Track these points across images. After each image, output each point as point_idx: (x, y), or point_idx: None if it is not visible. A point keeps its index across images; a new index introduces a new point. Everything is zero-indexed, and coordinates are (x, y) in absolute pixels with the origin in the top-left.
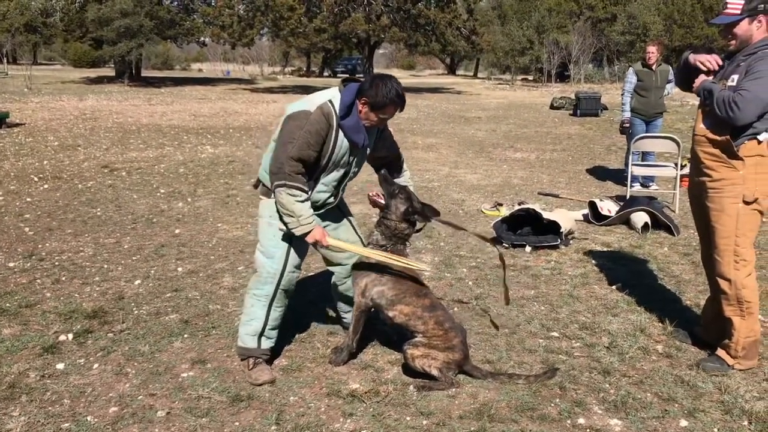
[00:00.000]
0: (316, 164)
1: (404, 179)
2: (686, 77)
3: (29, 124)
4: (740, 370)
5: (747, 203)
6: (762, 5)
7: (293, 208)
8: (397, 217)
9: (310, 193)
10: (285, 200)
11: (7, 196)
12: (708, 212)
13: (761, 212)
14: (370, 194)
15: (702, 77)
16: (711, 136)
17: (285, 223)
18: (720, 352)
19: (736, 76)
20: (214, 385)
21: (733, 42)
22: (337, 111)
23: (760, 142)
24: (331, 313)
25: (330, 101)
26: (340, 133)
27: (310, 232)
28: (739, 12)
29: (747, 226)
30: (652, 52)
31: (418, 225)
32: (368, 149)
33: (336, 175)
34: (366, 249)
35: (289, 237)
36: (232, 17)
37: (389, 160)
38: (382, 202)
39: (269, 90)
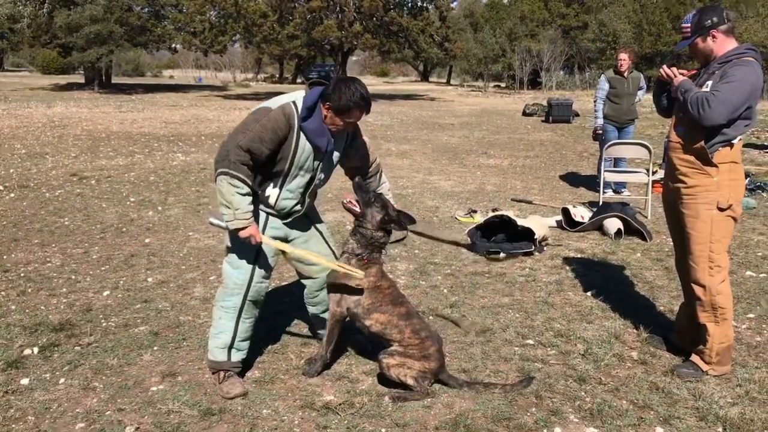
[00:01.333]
0: (271, 166)
1: (383, 192)
2: (660, 98)
3: None
4: (715, 376)
5: (721, 209)
6: (708, 21)
7: (232, 199)
8: (373, 225)
9: (252, 186)
10: (225, 189)
11: None
12: (683, 218)
13: (735, 218)
14: (344, 201)
15: (680, 78)
16: (685, 143)
17: (222, 215)
18: (694, 358)
19: (710, 82)
20: (185, 399)
21: (700, 61)
22: (299, 113)
23: (732, 147)
24: (304, 323)
25: (293, 102)
26: (302, 136)
27: (244, 228)
28: (690, 34)
29: (721, 233)
30: (624, 59)
31: (398, 235)
32: (336, 154)
33: (301, 181)
34: (301, 250)
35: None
36: (204, 24)
37: (364, 171)
38: (357, 209)
39: (242, 97)
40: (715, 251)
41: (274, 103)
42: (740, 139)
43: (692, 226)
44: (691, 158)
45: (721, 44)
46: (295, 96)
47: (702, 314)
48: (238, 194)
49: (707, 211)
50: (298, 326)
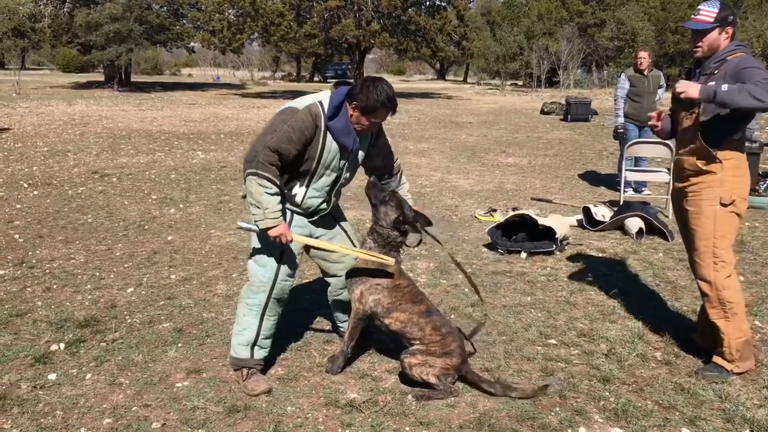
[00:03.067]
0: (298, 165)
1: (403, 193)
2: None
3: (18, 130)
4: (739, 373)
5: (724, 205)
6: (731, 17)
7: (261, 199)
8: (387, 224)
9: (285, 190)
10: (255, 190)
11: None
12: (687, 215)
13: (739, 214)
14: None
15: (693, 85)
16: (688, 142)
17: (252, 215)
18: (716, 359)
19: (712, 83)
20: (210, 396)
21: (701, 49)
22: (326, 112)
23: (735, 142)
24: (327, 321)
25: (320, 102)
26: (329, 136)
27: (274, 227)
28: (712, 21)
29: (725, 228)
30: (644, 57)
31: (412, 238)
32: (361, 154)
33: (327, 180)
34: (336, 245)
35: (251, 229)
36: (222, 22)
37: (387, 171)
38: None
39: (259, 95)
40: (719, 247)
41: (300, 103)
42: (742, 135)
43: (696, 222)
44: (695, 156)
45: (726, 41)
46: (321, 96)
47: (711, 311)
48: (267, 194)
49: (710, 207)
50: (321, 323)
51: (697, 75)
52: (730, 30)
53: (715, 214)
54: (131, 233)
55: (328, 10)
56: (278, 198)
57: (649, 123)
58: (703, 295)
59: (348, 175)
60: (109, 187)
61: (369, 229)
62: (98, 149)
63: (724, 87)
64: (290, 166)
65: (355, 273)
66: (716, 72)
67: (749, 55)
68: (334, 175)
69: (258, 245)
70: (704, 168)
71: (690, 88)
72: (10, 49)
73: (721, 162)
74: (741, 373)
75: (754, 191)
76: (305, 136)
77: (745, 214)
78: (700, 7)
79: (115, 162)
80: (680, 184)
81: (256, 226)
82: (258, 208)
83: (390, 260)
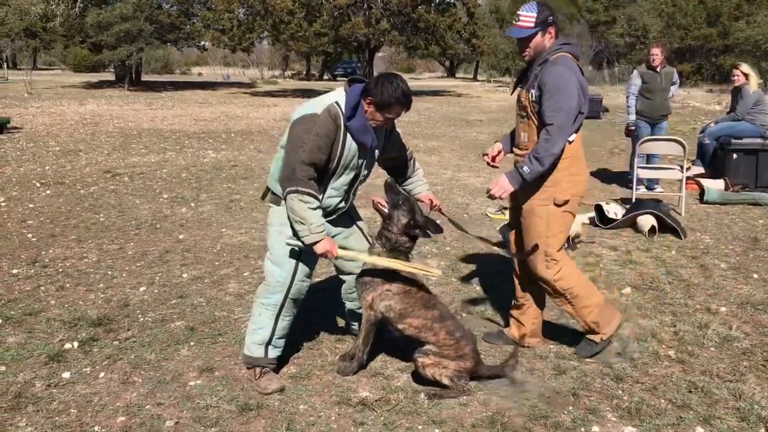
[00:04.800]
0: (325, 168)
1: (418, 178)
2: None
3: (30, 130)
4: (609, 338)
5: (558, 205)
6: (551, 17)
7: (305, 215)
8: (397, 229)
9: (321, 199)
10: (297, 207)
11: (10, 202)
12: (521, 213)
13: (573, 213)
14: (375, 200)
15: (502, 181)
16: (524, 146)
17: (295, 231)
18: (585, 338)
19: (533, 91)
20: (223, 394)
21: (528, 54)
22: (344, 112)
23: (571, 143)
24: (339, 320)
25: (336, 102)
26: (348, 135)
27: (319, 241)
28: (533, 25)
29: (557, 228)
30: (656, 54)
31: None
32: (377, 151)
33: (346, 179)
34: (375, 257)
35: (298, 245)
36: (232, 21)
37: (399, 161)
38: (386, 210)
39: (269, 94)
40: (551, 246)
41: (317, 106)
42: (577, 135)
43: (529, 221)
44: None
45: (550, 42)
46: (337, 96)
47: (556, 301)
48: (309, 209)
49: (543, 207)
50: (333, 322)
51: (528, 78)
52: (552, 30)
53: (548, 214)
54: (143, 232)
55: (338, 8)
56: (320, 212)
57: (489, 163)
58: (545, 290)
59: (366, 172)
60: (121, 186)
61: (377, 233)
62: (110, 148)
63: (526, 168)
64: None
65: (362, 275)
66: (538, 74)
67: (568, 58)
68: (352, 174)
69: (276, 245)
70: None
71: (505, 187)
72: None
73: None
74: (611, 336)
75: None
76: (330, 139)
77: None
78: (519, 12)
79: (126, 161)
80: None
81: (302, 242)
82: (302, 224)
83: (436, 271)
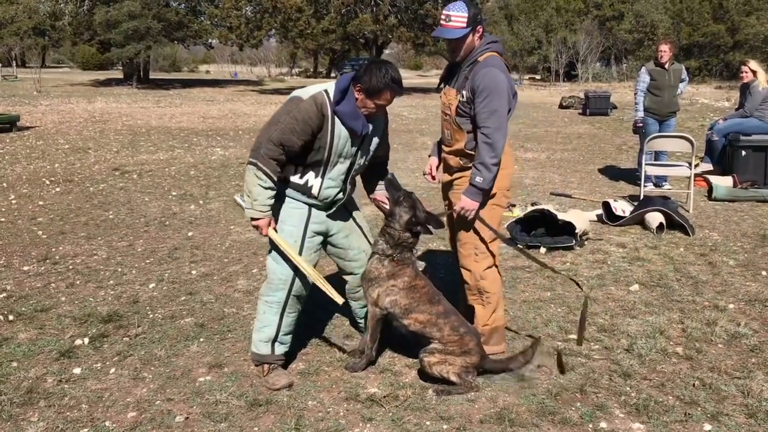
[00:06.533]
0: (310, 155)
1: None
2: None
3: (39, 127)
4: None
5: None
6: (479, 15)
7: (253, 190)
8: (399, 226)
9: (276, 183)
10: (250, 180)
11: (20, 200)
12: (452, 206)
13: (501, 206)
14: (376, 198)
15: (464, 202)
16: (452, 143)
17: (244, 200)
18: None
19: (465, 92)
20: (232, 390)
21: (459, 54)
22: (332, 98)
23: None
24: (346, 316)
25: (325, 91)
26: (337, 121)
27: (258, 219)
28: (465, 25)
29: (489, 221)
30: (665, 50)
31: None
32: (375, 140)
33: (341, 168)
34: (301, 259)
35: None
36: (240, 19)
37: (382, 159)
38: (387, 207)
39: (277, 91)
40: (481, 239)
41: (306, 92)
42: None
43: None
44: (458, 156)
45: (478, 41)
46: (328, 85)
47: (470, 297)
48: (260, 186)
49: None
50: (340, 319)
51: (457, 77)
52: (480, 29)
53: (476, 208)
54: (152, 229)
55: (346, 5)
56: (271, 193)
57: (430, 181)
58: (464, 282)
59: (362, 161)
60: (130, 183)
61: (380, 230)
62: (118, 146)
63: (478, 179)
64: (302, 156)
65: (369, 272)
66: (469, 76)
67: (497, 58)
68: (347, 162)
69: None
70: (466, 165)
71: (469, 206)
72: (30, 48)
73: None
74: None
75: None
76: (309, 127)
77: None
78: (448, 12)
79: (135, 159)
80: (448, 178)
81: (245, 211)
82: (249, 197)
83: (338, 298)
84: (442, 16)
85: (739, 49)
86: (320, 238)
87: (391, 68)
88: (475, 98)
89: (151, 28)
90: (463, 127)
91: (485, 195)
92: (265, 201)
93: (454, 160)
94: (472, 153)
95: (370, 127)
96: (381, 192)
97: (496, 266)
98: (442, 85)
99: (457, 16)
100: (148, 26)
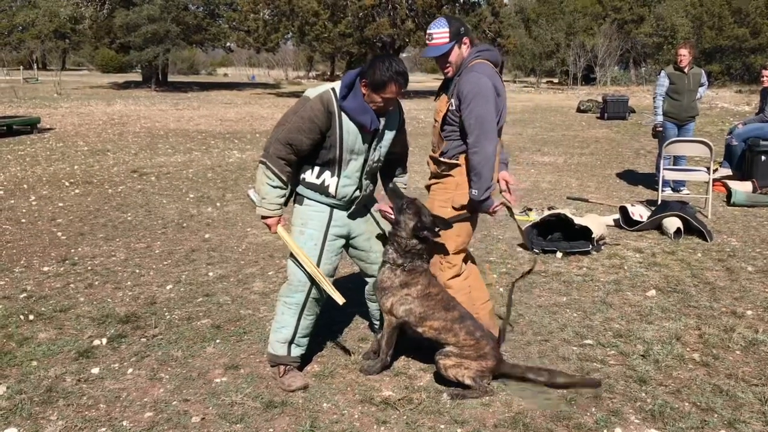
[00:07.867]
0: (323, 154)
1: (405, 179)
2: None
3: (59, 130)
4: None
5: (455, 209)
6: (462, 27)
7: (262, 188)
8: (406, 233)
9: (287, 183)
10: (260, 178)
11: (40, 201)
12: None
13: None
14: (381, 209)
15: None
16: (433, 149)
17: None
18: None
19: (453, 100)
20: (248, 391)
21: (450, 69)
22: (338, 94)
23: None
24: (362, 319)
25: (332, 89)
26: (344, 117)
27: (267, 217)
28: (447, 41)
29: (454, 231)
30: (684, 54)
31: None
32: (389, 135)
33: (356, 164)
34: (306, 259)
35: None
36: (258, 22)
37: (399, 158)
38: (392, 216)
39: (294, 95)
40: (447, 248)
41: (313, 91)
42: None
43: None
44: (436, 163)
45: (467, 51)
46: (335, 83)
47: None
48: (268, 185)
49: (441, 209)
50: (356, 321)
51: (452, 88)
52: (466, 40)
53: (446, 217)
54: (170, 231)
55: (363, 9)
56: (279, 191)
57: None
58: None
59: (376, 156)
60: (148, 185)
61: (389, 239)
62: (137, 148)
63: (474, 192)
64: (316, 155)
65: (382, 281)
66: (457, 83)
67: (483, 64)
68: (361, 159)
69: (297, 245)
70: (443, 172)
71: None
72: (51, 51)
73: (461, 166)
74: None
75: None
76: (316, 125)
77: None
78: (430, 31)
79: (153, 161)
80: (427, 183)
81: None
82: (259, 195)
83: (340, 299)
84: (426, 37)
85: (760, 53)
86: (342, 241)
87: (396, 61)
88: (461, 105)
89: (170, 32)
90: (443, 135)
91: (487, 202)
92: (274, 200)
93: (433, 167)
94: (448, 161)
95: (382, 122)
96: (386, 202)
97: (460, 275)
98: (442, 95)
99: (438, 33)
100: (166, 29)
